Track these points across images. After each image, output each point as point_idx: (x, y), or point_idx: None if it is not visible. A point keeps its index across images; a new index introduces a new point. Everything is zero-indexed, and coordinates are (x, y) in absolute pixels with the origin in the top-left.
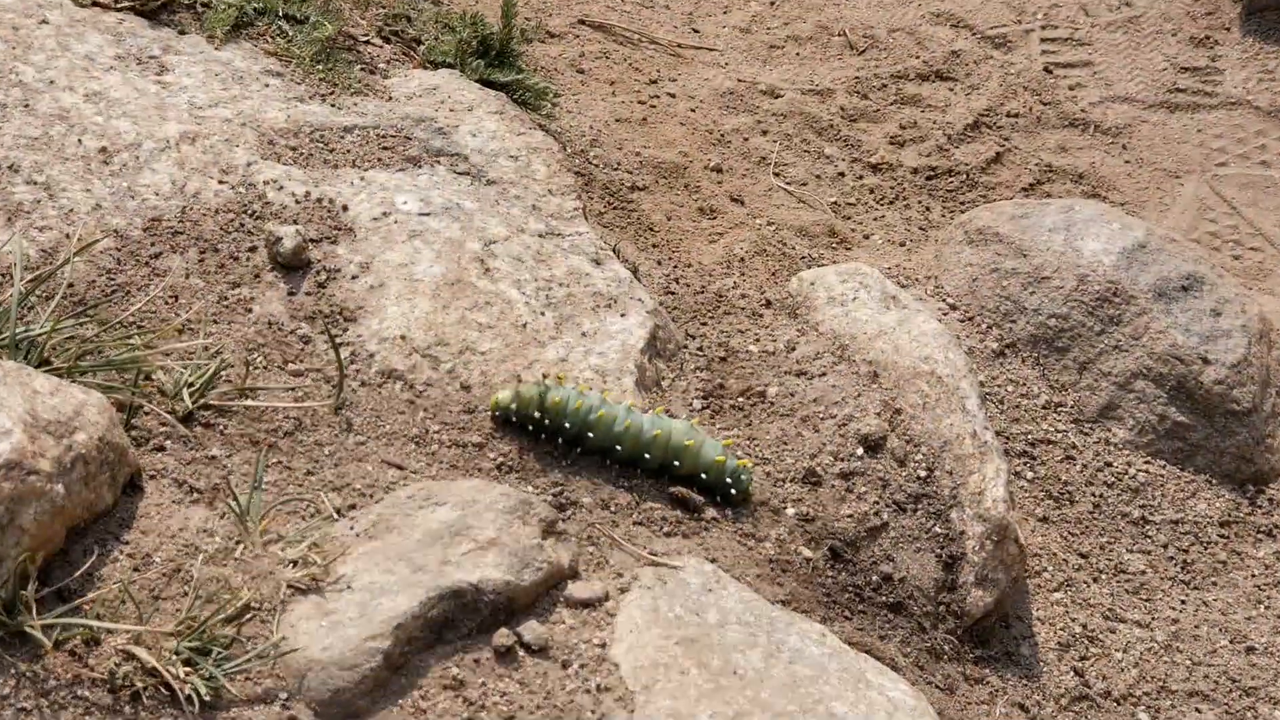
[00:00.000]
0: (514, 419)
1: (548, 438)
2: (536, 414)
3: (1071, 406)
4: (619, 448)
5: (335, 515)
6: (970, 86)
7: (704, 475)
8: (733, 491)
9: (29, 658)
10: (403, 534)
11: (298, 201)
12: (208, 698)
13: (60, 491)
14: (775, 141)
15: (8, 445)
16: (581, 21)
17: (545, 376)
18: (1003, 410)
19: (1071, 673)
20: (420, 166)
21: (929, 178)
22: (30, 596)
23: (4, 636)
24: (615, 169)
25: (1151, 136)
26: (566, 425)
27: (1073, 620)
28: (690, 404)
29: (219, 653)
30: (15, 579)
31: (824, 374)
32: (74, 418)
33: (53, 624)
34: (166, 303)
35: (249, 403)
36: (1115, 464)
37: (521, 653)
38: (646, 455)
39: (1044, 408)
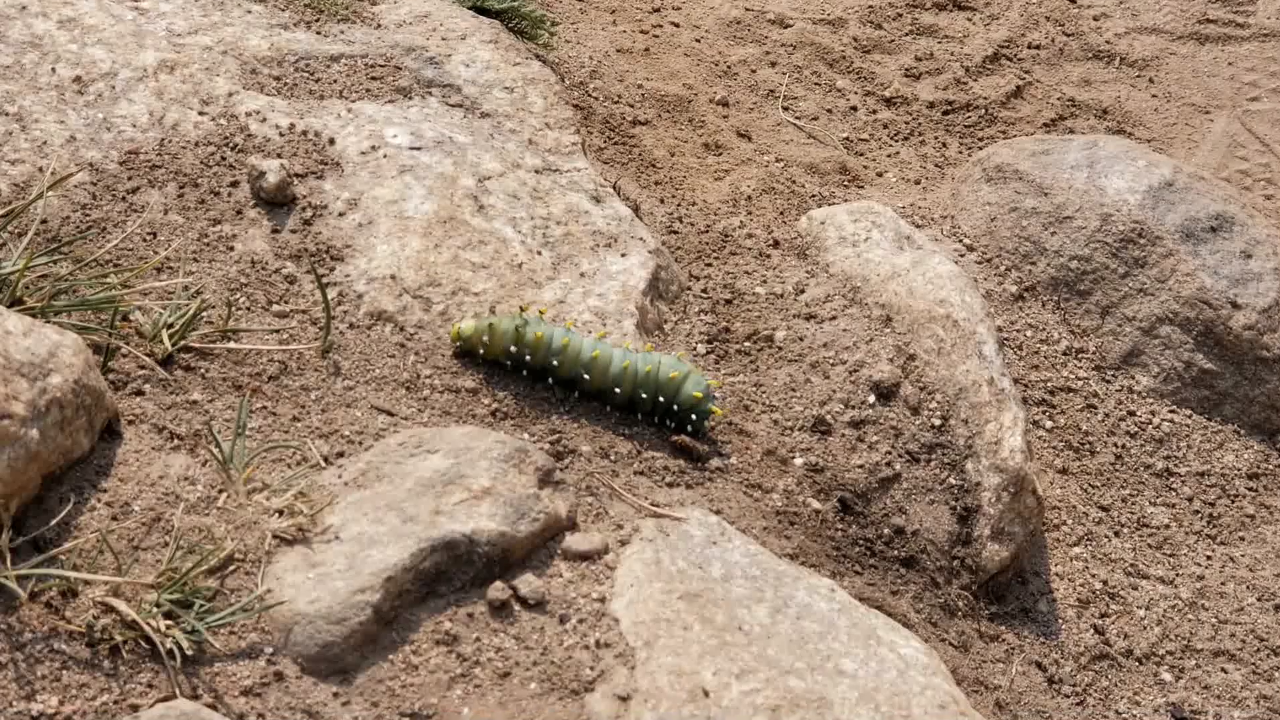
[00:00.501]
0: (481, 353)
1: (530, 375)
2: (513, 348)
3: (1093, 353)
4: (618, 390)
5: (322, 463)
6: (990, 16)
7: (676, 408)
8: (688, 428)
9: (3, 609)
10: (393, 483)
11: (282, 134)
12: (190, 652)
13: (34, 437)
14: (784, 74)
15: None
16: None
17: (523, 310)
18: (1021, 356)
19: (1091, 630)
20: (411, 98)
21: (946, 112)
22: (4, 546)
23: None
24: (616, 102)
25: (1180, 69)
26: (555, 363)
27: (1093, 576)
28: (694, 348)
29: (201, 605)
30: None
31: (834, 317)
32: (48, 360)
33: (28, 574)
34: (144, 240)
35: (231, 345)
36: (1139, 413)
37: (517, 607)
38: (643, 394)
39: (1064, 354)
